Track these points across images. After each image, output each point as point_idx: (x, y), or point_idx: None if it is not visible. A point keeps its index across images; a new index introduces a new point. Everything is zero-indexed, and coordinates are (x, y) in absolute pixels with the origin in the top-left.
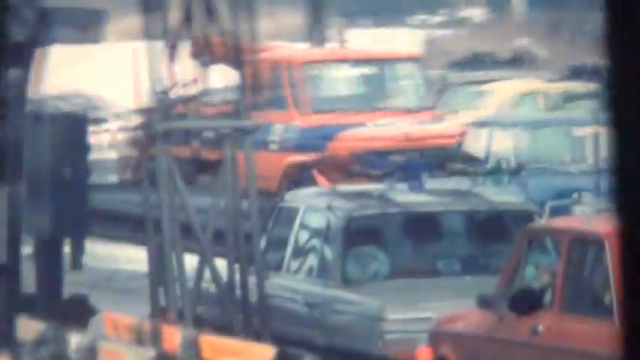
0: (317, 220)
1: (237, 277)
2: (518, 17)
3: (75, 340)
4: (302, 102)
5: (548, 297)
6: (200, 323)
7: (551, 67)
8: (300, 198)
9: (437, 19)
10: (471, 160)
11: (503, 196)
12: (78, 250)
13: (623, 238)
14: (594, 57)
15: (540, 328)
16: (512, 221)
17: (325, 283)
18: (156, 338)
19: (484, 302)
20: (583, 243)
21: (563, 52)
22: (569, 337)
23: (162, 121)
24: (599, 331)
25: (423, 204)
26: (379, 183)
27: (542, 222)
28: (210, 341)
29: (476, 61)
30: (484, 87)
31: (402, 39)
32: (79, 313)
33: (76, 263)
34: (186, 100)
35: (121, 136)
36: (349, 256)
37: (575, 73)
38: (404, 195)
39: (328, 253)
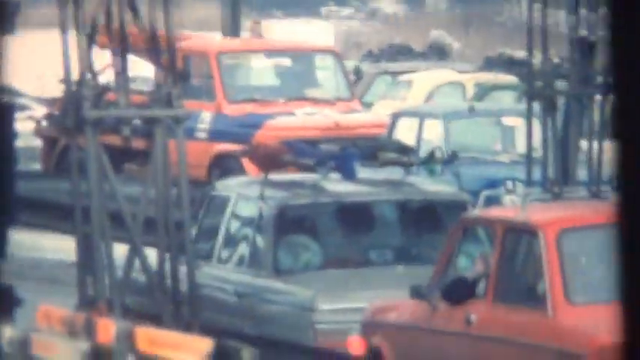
0: (248, 210)
1: (168, 266)
2: (429, 8)
3: (7, 332)
4: (228, 91)
5: (481, 287)
6: (129, 313)
7: (465, 58)
8: (231, 187)
9: (348, 11)
10: (403, 149)
11: (436, 185)
12: (2, 238)
13: (627, 229)
14: (507, 48)
15: (473, 317)
16: (446, 211)
17: (256, 272)
18: (89, 330)
19: (417, 292)
20: (517, 233)
21: (475, 44)
22: (502, 326)
23: (93, 108)
24: (531, 321)
25: (356, 193)
26: (312, 172)
27: (476, 211)
28: (146, 333)
29: (392, 52)
30: (405, 77)
31: (313, 31)
32: (4, 303)
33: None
34: (115, 87)
35: (45, 124)
36: (281, 246)
37: (491, 64)
38: (337, 184)
39: (260, 242)
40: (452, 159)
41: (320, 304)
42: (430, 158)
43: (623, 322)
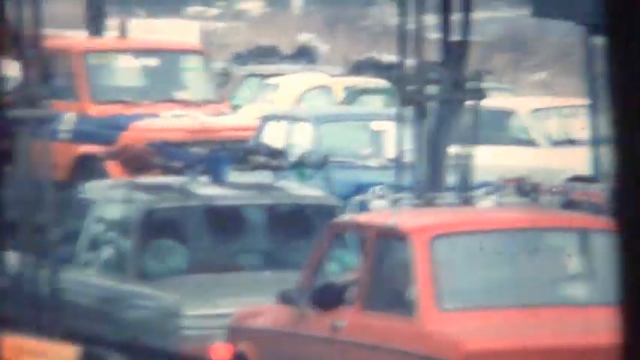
0: (114, 213)
1: (29, 270)
2: (295, 12)
3: None
4: (93, 91)
5: (351, 293)
6: None
7: (332, 61)
8: (96, 190)
9: (213, 11)
10: (274, 153)
11: (305, 190)
12: None
13: (626, 233)
14: (374, 52)
15: (341, 323)
16: (315, 215)
17: (121, 277)
18: None
19: (285, 297)
20: (388, 239)
21: (342, 48)
22: (370, 333)
23: None
24: (400, 328)
25: (225, 197)
26: (180, 175)
27: (346, 216)
28: (11, 341)
29: (259, 54)
30: (273, 80)
31: (177, 30)
32: None
33: None
34: None
35: None
36: (147, 250)
37: (358, 68)
38: (205, 188)
39: (125, 246)
40: (322, 163)
41: (186, 309)
42: (301, 162)
43: (623, 325)
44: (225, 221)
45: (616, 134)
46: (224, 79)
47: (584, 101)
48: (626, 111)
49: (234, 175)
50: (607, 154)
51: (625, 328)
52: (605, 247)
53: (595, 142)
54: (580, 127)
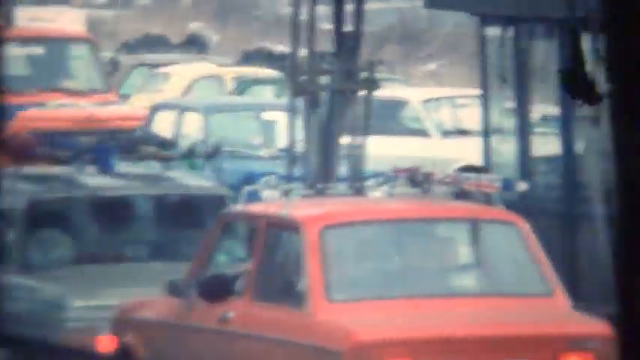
0: None
1: None
2: (185, 0)
3: None
4: None
5: (241, 284)
6: None
7: (222, 51)
8: None
9: None
10: (164, 143)
11: (195, 180)
12: None
13: (624, 231)
14: (265, 42)
15: (230, 315)
16: (205, 206)
17: (4, 269)
18: None
19: (172, 289)
20: (279, 229)
21: (233, 37)
22: (260, 324)
23: None
24: (290, 319)
25: (112, 188)
26: (67, 165)
27: (237, 207)
28: None
29: (148, 43)
30: (162, 69)
31: (64, 18)
32: None
33: None
34: None
35: None
36: (31, 241)
37: (249, 58)
38: (92, 178)
39: (9, 237)
40: (214, 153)
41: (71, 301)
42: (191, 152)
43: (620, 322)
44: (112, 212)
45: (617, 136)
46: (112, 68)
47: (476, 91)
48: (628, 111)
49: (123, 166)
50: (498, 143)
51: (624, 327)
52: (496, 238)
53: (486, 132)
54: (472, 117)
